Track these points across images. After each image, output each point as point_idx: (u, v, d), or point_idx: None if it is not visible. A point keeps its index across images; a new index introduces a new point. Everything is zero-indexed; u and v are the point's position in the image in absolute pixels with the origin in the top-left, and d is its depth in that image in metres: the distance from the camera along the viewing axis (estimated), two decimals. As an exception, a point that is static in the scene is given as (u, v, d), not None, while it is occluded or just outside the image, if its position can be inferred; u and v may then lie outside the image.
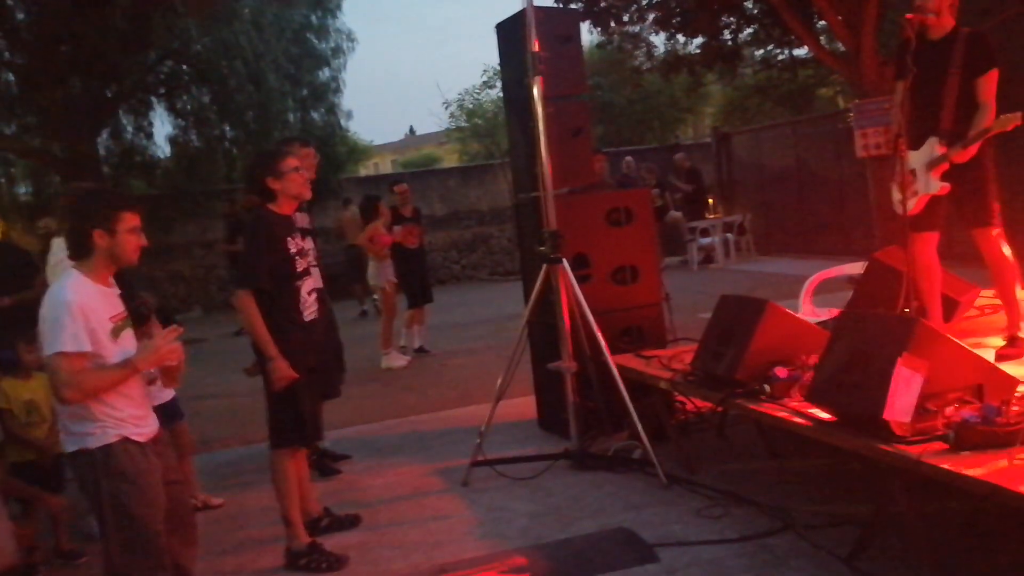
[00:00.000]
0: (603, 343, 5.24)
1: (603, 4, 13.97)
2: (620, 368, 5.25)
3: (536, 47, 5.28)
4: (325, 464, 6.00)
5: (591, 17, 13.96)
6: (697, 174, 17.19)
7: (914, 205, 4.89)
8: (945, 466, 3.07)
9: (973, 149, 4.66)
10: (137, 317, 3.98)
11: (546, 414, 6.35)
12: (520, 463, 5.45)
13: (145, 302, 4.89)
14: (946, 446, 3.19)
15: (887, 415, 3.31)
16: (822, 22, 12.87)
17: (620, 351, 5.61)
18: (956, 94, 4.70)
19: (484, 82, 28.30)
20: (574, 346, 5.42)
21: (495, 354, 9.08)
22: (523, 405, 6.59)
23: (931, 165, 4.79)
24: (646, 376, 5.27)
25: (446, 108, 30.39)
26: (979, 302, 5.73)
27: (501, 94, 8.84)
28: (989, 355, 4.15)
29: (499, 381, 5.47)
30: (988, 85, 4.66)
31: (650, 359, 5.51)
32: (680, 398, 5.70)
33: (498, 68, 6.88)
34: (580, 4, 13.52)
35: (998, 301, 5.72)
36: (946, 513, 3.79)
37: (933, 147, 4.78)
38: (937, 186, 4.78)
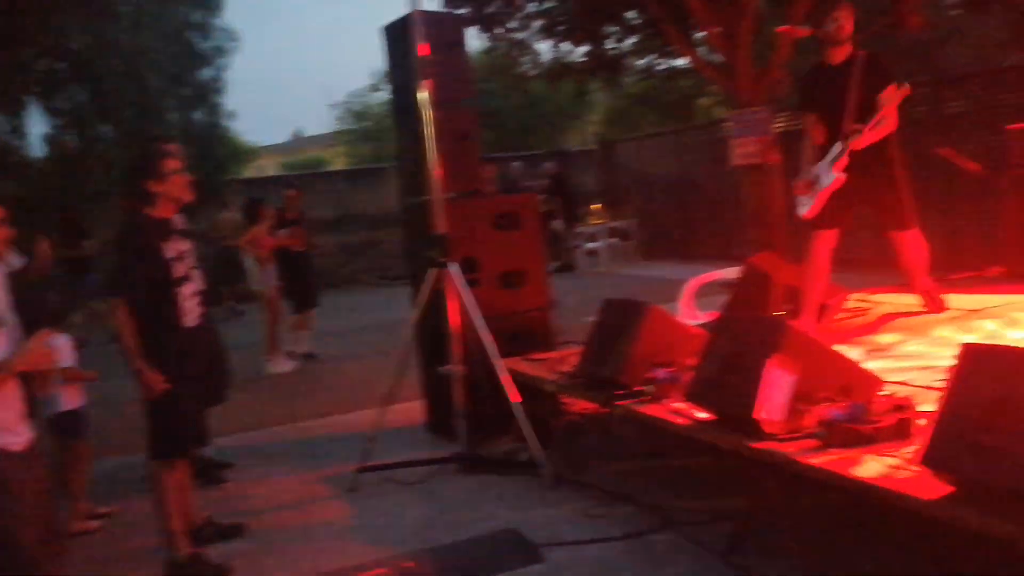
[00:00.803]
0: (492, 346, 5.29)
1: (489, 10, 14.04)
2: (509, 371, 5.30)
3: (424, 51, 5.29)
4: (209, 472, 5.87)
5: (477, 23, 14.03)
6: (562, 181, 17.29)
7: (812, 204, 5.24)
8: (814, 463, 3.21)
9: (872, 136, 5.08)
10: (50, 320, 3.86)
11: (435, 418, 6.36)
12: (409, 468, 5.46)
13: (54, 304, 4.73)
14: (818, 443, 3.34)
15: (757, 414, 3.45)
16: (701, 33, 13.20)
17: (509, 355, 5.66)
18: (858, 104, 5.11)
19: (372, 84, 28.20)
20: (463, 350, 5.46)
21: (383, 359, 9.00)
22: (411, 410, 6.56)
23: (832, 160, 5.16)
24: (533, 379, 5.35)
25: (333, 110, 30.09)
26: (848, 305, 5.99)
27: (388, 96, 8.84)
28: (856, 355, 4.36)
29: (388, 386, 5.46)
30: (889, 97, 5.09)
31: (538, 362, 5.59)
32: (567, 400, 5.79)
33: (385, 71, 6.85)
34: (467, 10, 13.57)
35: (864, 304, 6.03)
36: (822, 508, 3.95)
37: (836, 147, 5.15)
38: (832, 178, 5.11)
